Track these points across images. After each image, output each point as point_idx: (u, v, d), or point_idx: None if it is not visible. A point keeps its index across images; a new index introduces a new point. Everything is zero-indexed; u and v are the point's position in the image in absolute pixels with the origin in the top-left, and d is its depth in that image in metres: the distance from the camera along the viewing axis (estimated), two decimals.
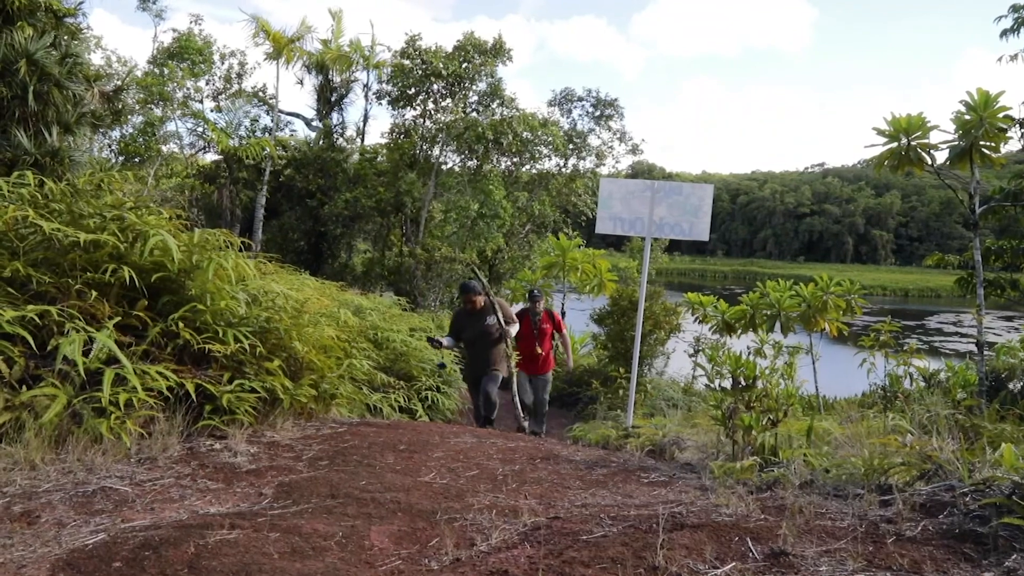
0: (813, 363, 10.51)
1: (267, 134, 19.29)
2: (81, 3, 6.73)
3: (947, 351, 25.04)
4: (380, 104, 19.64)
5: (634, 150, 21.39)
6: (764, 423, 3.16)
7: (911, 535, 1.86)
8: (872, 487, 2.32)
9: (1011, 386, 8.57)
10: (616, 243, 41.88)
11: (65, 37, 5.98)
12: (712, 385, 3.63)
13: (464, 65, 17.88)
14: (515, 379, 5.94)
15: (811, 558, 1.73)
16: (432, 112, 18.77)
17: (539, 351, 7.04)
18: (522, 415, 6.14)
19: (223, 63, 20.33)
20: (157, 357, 3.07)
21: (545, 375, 7.18)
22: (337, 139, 20.05)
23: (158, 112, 17.08)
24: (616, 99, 20.67)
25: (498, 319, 5.81)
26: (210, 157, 19.13)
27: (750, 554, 1.79)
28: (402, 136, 19.13)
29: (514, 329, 5.93)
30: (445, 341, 5.74)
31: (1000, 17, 10.05)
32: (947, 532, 1.86)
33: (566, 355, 7.37)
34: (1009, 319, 30.02)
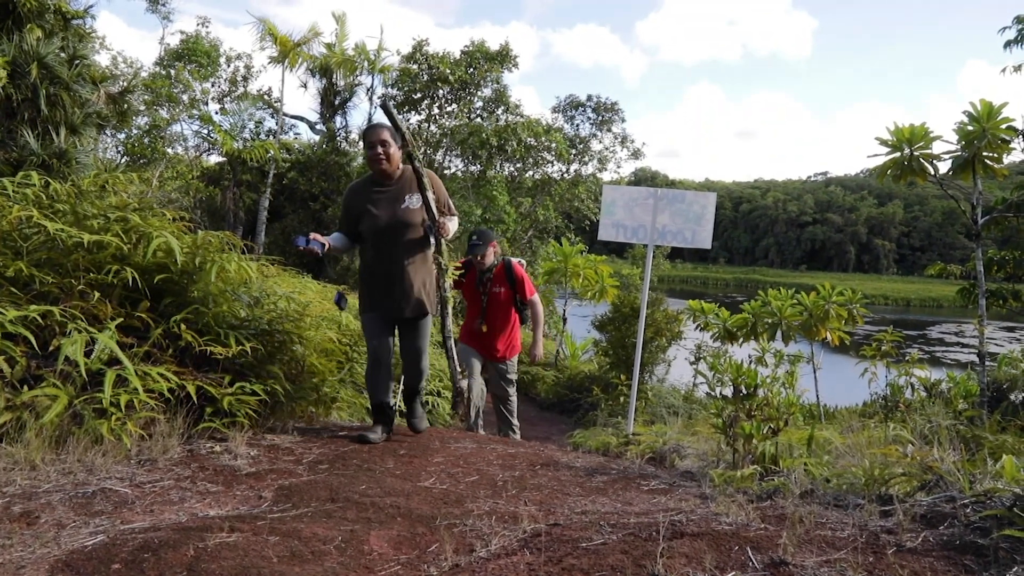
0: (814, 372, 10.51)
1: (271, 137, 19.36)
2: (91, 6, 6.78)
3: (948, 361, 25.00)
4: None
5: (636, 154, 21.46)
6: (765, 432, 3.16)
7: (911, 546, 1.85)
8: (873, 497, 2.32)
9: (1012, 397, 8.56)
10: (618, 249, 41.93)
11: (73, 39, 6.02)
12: (713, 393, 3.64)
13: (470, 71, 17.95)
14: (454, 349, 3.93)
15: (811, 568, 1.72)
16: (437, 117, 18.84)
17: (484, 328, 4.66)
18: (471, 412, 4.51)
19: (229, 66, 20.45)
20: (159, 359, 3.07)
21: (503, 363, 4.81)
22: (341, 142, 20.12)
23: (164, 114, 17.16)
24: (616, 103, 20.78)
25: (427, 201, 3.41)
26: (214, 159, 19.23)
27: (750, 563, 1.78)
28: None
29: (453, 224, 3.62)
30: (330, 240, 3.46)
31: (1004, 28, 10.07)
32: (948, 543, 1.85)
33: (534, 335, 4.73)
34: (1011, 330, 29.98)
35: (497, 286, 4.68)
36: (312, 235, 3.30)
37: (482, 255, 4.64)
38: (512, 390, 4.94)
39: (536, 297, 4.88)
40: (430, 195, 3.42)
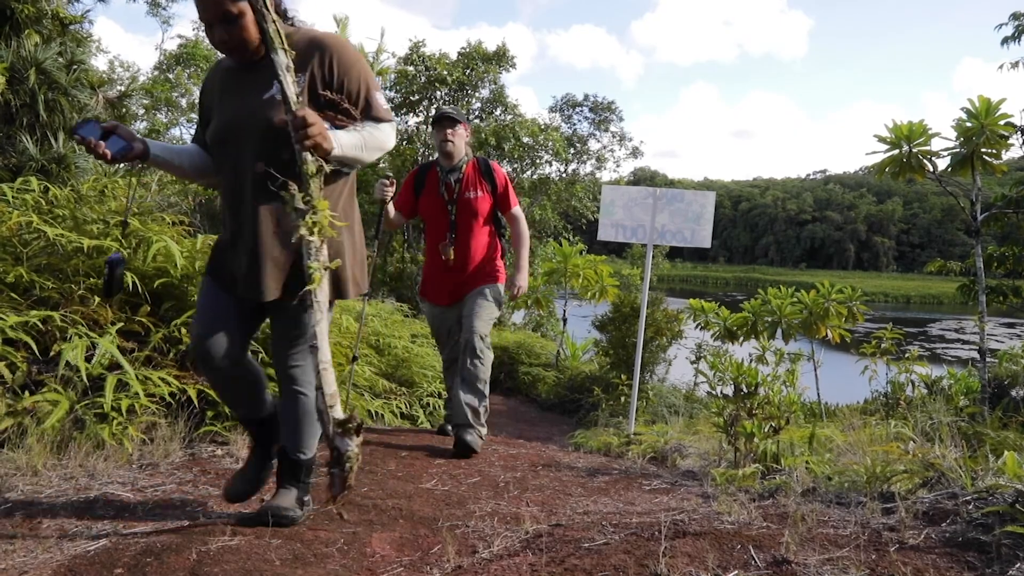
0: (815, 370, 10.50)
1: None
2: (88, 11, 6.78)
3: (949, 358, 24.98)
4: None
5: (634, 153, 21.47)
6: (766, 430, 3.16)
7: (914, 543, 1.85)
8: (874, 495, 2.32)
9: (1014, 393, 8.56)
10: (618, 249, 41.95)
11: (71, 44, 6.02)
12: (714, 392, 3.63)
13: (468, 72, 17.98)
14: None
15: (813, 566, 1.73)
16: None
17: (451, 257, 3.43)
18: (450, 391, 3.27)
19: None
20: (159, 363, 3.07)
21: (479, 290, 3.49)
22: None
23: (163, 118, 17.18)
24: (613, 101, 20.81)
25: (282, 82, 1.82)
26: None
27: (752, 562, 1.78)
28: (405, 142, 19.21)
29: (360, 136, 1.97)
30: (166, 151, 2.08)
31: (1001, 25, 10.09)
32: (950, 540, 1.85)
33: (517, 260, 3.56)
34: (1011, 326, 29.97)
35: (470, 190, 3.43)
36: (109, 123, 1.95)
37: (451, 134, 3.39)
38: (486, 326, 3.42)
39: (520, 210, 3.65)
40: (281, 60, 1.83)
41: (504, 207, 3.61)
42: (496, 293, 3.54)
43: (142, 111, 16.04)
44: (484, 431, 3.52)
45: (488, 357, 3.45)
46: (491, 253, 3.60)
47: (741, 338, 11.01)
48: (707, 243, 5.48)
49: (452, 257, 3.46)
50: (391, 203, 3.39)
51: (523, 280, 3.54)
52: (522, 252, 3.58)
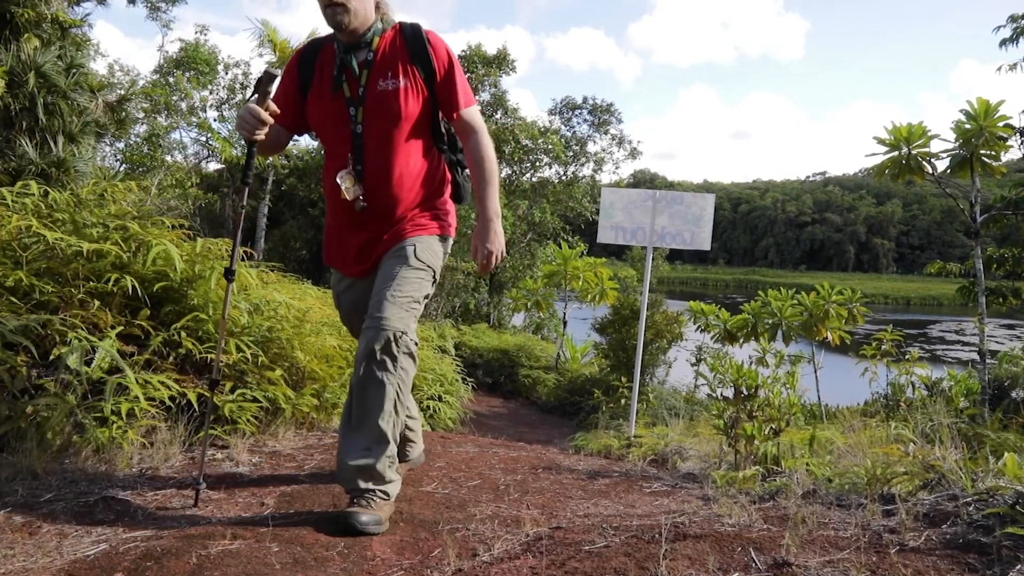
0: (815, 372, 10.50)
1: None
2: (88, 15, 6.79)
3: (949, 360, 24.98)
4: None
5: (633, 154, 21.53)
6: (766, 432, 3.16)
7: (914, 545, 1.85)
8: (875, 497, 2.32)
9: (1014, 394, 8.57)
10: (617, 252, 41.98)
11: (71, 48, 6.03)
12: (714, 394, 3.63)
13: (468, 75, 18.06)
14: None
15: (814, 568, 1.72)
16: None
17: (353, 197, 2.09)
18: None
19: (227, 73, 20.47)
20: (159, 366, 3.07)
21: (398, 248, 2.15)
22: None
23: (163, 122, 17.20)
24: (612, 103, 20.90)
25: None
26: (213, 166, 19.24)
27: (753, 564, 1.78)
28: None
29: None
30: None
31: (999, 27, 10.12)
32: (950, 542, 1.85)
33: (481, 203, 2.13)
34: (1011, 327, 29.99)
35: (388, 77, 2.11)
36: None
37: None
38: (406, 314, 2.08)
39: (477, 112, 2.24)
40: None
41: (449, 105, 2.18)
42: (429, 252, 2.19)
43: (141, 115, 16.05)
44: (387, 500, 2.16)
45: (406, 369, 2.11)
46: (429, 188, 2.23)
47: (741, 340, 11.03)
48: (707, 245, 5.49)
49: (354, 197, 2.11)
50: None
51: (494, 240, 2.15)
52: (488, 190, 2.16)
